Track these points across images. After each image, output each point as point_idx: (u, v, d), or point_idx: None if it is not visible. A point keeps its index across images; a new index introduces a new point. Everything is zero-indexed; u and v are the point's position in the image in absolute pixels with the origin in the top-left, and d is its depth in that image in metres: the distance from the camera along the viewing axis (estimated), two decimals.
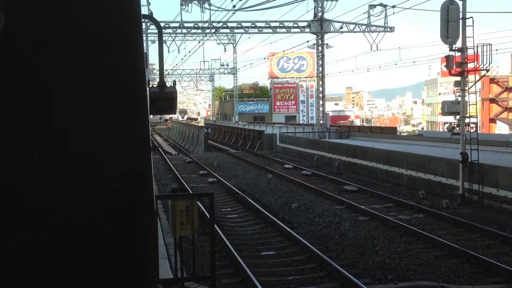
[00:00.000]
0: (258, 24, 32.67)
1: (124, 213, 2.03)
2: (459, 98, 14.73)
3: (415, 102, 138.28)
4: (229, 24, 32.82)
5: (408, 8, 25.97)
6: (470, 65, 14.76)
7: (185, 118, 73.65)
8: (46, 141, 1.95)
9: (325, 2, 30.91)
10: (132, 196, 2.04)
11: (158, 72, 5.91)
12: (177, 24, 32.54)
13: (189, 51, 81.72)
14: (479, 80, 14.92)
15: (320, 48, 31.52)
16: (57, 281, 1.97)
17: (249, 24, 32.72)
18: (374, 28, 31.67)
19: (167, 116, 70.97)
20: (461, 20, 14.21)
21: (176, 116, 70.23)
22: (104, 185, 2.00)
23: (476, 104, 15.91)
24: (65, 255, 1.96)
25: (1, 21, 1.94)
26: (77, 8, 2.02)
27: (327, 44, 31.72)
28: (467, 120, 14.77)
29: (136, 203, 2.05)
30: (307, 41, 33.49)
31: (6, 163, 1.90)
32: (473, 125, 15.63)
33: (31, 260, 1.92)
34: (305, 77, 67.31)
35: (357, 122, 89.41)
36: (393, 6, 28.39)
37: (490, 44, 14.43)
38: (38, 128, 1.94)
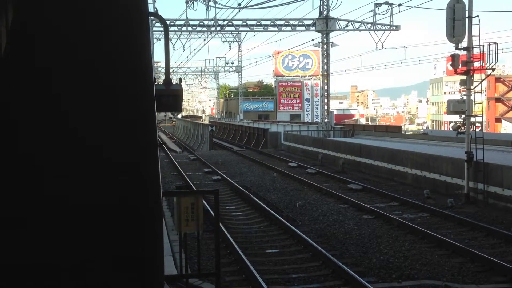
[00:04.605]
0: (263, 22, 32.67)
1: (131, 209, 2.04)
2: (465, 97, 14.68)
3: (420, 101, 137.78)
4: (234, 22, 32.84)
5: (414, 7, 25.95)
6: (476, 64, 14.71)
7: (179, 117, 71.26)
8: (53, 138, 1.96)
9: (330, 0, 30.88)
10: (139, 193, 2.05)
11: (163, 70, 5.94)
12: (182, 22, 32.59)
13: (194, 49, 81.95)
14: (484, 79, 14.86)
15: (325, 46, 31.47)
16: (65, 277, 1.98)
17: (254, 22, 32.73)
18: (379, 26, 31.61)
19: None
20: (467, 19, 14.16)
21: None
22: (111, 181, 2.01)
23: (481, 103, 15.85)
24: (72, 251, 1.98)
25: (9, 17, 1.96)
26: (85, 6, 2.03)
27: (332, 42, 31.66)
28: (472, 119, 14.72)
29: (143, 199, 2.07)
30: (312, 40, 33.48)
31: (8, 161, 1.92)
32: (479, 124, 15.57)
33: (36, 256, 1.94)
34: (310, 76, 67.22)
35: (362, 121, 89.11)
36: (399, 5, 28.33)
37: (496, 43, 14.39)
38: (43, 124, 1.96)
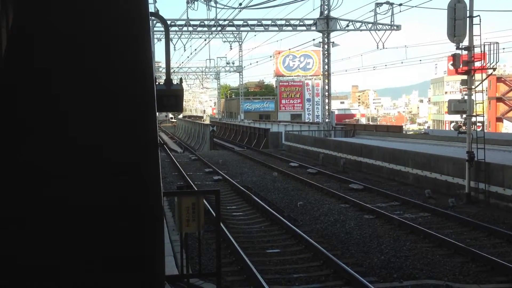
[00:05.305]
0: (264, 22, 32.66)
1: (131, 209, 2.04)
2: (466, 97, 14.68)
3: (421, 101, 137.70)
4: (235, 22, 32.83)
5: (415, 6, 25.94)
6: (477, 64, 14.70)
7: (180, 117, 70.79)
8: (52, 138, 1.96)
9: (331, 0, 30.87)
10: (139, 192, 2.05)
11: (164, 70, 5.96)
12: (183, 22, 32.60)
13: (195, 49, 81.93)
14: (486, 78, 14.85)
15: (326, 46, 31.46)
16: (64, 278, 1.98)
17: (255, 22, 32.72)
18: (380, 26, 31.60)
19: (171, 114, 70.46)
20: (468, 19, 14.15)
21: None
22: (111, 181, 2.01)
23: (482, 103, 15.84)
24: (71, 251, 1.98)
25: (10, 18, 1.96)
26: (85, 6, 2.03)
27: (333, 42, 31.65)
28: (473, 119, 14.72)
29: (143, 199, 2.06)
30: (313, 39, 33.47)
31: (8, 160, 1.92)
32: (480, 124, 15.56)
33: (35, 256, 1.94)
34: (311, 75, 67.20)
35: (363, 121, 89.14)
36: (400, 4, 28.31)
37: (497, 43, 14.38)
38: (43, 124, 1.96)
